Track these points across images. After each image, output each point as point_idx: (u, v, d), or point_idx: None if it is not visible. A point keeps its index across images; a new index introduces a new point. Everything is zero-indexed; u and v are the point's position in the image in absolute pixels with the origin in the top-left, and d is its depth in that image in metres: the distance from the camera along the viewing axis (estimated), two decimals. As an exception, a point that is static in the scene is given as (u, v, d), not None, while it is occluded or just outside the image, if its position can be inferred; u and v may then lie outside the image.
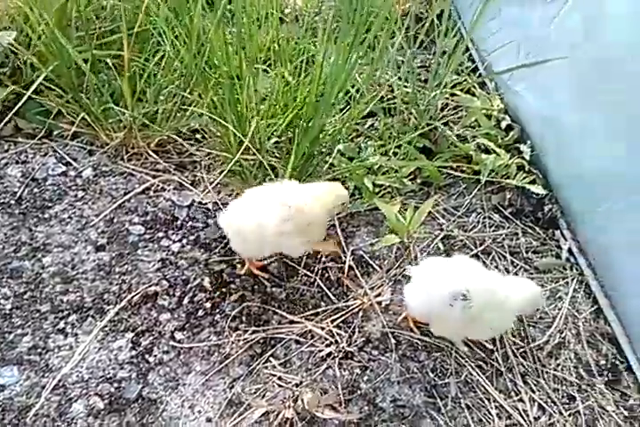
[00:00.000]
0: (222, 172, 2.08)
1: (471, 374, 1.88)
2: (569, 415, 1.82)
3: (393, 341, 1.91)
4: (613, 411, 1.89)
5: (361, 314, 1.95)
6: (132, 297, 1.83)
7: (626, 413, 1.89)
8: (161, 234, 2.02)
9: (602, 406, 1.89)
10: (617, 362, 2.01)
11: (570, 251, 2.26)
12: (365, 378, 1.81)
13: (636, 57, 1.88)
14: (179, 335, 1.79)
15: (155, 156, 2.22)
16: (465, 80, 2.78)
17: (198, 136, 2.35)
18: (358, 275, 2.05)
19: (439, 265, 1.77)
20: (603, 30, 2.04)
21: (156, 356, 1.74)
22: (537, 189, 2.27)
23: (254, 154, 1.98)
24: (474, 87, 2.79)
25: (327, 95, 1.87)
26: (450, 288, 1.63)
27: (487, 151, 2.42)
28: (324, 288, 1.99)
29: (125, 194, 2.08)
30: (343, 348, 1.85)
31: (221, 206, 2.12)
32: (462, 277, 1.67)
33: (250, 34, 2.01)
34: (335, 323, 1.91)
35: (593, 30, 2.09)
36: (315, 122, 1.90)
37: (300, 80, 2.05)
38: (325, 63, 2.01)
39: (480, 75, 2.82)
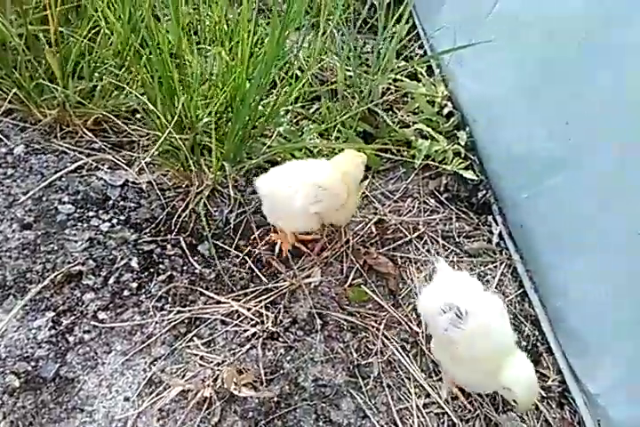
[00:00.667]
0: (157, 151, 2.02)
1: (394, 355, 1.88)
2: (486, 395, 1.83)
3: (319, 321, 1.89)
4: (531, 391, 1.90)
5: (289, 295, 1.93)
6: (56, 276, 1.78)
7: (543, 393, 1.91)
8: (91, 213, 1.96)
9: (520, 386, 1.90)
10: (538, 344, 2.03)
11: (500, 236, 2.27)
12: (289, 358, 1.80)
13: (570, 45, 1.86)
14: (101, 315, 1.75)
15: (90, 134, 2.15)
16: (412, 67, 2.74)
17: (138, 116, 2.27)
18: (289, 257, 2.01)
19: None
20: (541, 18, 2.02)
21: (76, 335, 1.69)
22: (470, 175, 2.27)
23: (184, 132, 1.91)
24: (421, 74, 2.76)
25: (257, 76, 1.82)
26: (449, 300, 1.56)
27: (426, 137, 2.40)
28: (255, 269, 1.96)
29: (56, 172, 2.01)
30: (268, 328, 1.83)
31: (155, 187, 2.06)
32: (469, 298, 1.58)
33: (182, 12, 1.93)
34: (263, 304, 1.88)
35: (531, 18, 2.07)
36: (246, 102, 1.85)
37: (237, 60, 1.98)
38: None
39: (428, 61, 2.78)
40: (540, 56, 2.03)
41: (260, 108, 2.04)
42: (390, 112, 2.54)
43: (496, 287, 2.13)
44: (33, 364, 1.62)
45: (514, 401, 1.58)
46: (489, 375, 1.58)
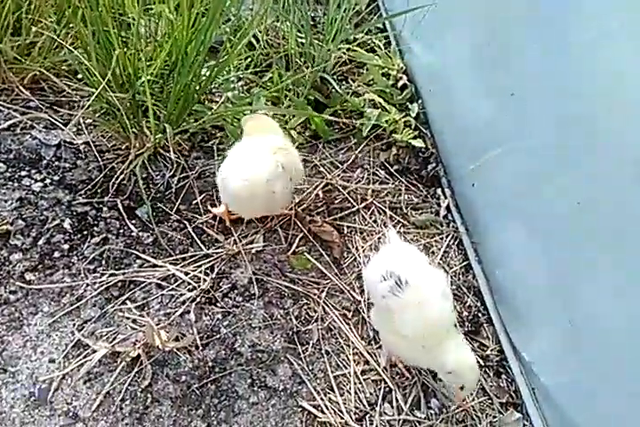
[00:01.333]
0: (95, 111, 1.96)
1: (335, 322, 1.89)
2: (424, 362, 1.85)
3: (259, 288, 1.88)
4: (470, 359, 1.94)
5: (229, 261, 1.91)
6: (-19, 236, 1.71)
7: (481, 361, 1.95)
8: (23, 173, 1.90)
9: (459, 355, 1.93)
10: (479, 314, 2.07)
11: (448, 208, 2.30)
12: (226, 323, 1.79)
13: (527, 18, 1.88)
14: (29, 276, 1.70)
15: (27, 93, 2.07)
16: (370, 39, 2.74)
17: (79, 77, 2.20)
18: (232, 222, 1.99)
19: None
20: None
21: (1, 296, 1.64)
22: (419, 144, 2.28)
23: (126, 92, 1.86)
24: (378, 47, 2.75)
25: (200, 34, 1.78)
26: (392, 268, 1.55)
27: (378, 108, 2.39)
28: (194, 235, 1.94)
29: (-13, 130, 1.93)
30: (206, 293, 1.81)
31: (93, 148, 2.01)
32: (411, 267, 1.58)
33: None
34: (201, 269, 1.86)
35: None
36: (187, 61, 1.81)
37: (180, 19, 1.93)
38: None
39: (386, 34, 2.78)
40: (488, 29, 2.05)
41: (204, 70, 2.00)
42: (344, 82, 2.53)
43: (441, 259, 2.16)
44: (-47, 324, 1.56)
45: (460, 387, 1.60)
46: (423, 352, 1.58)
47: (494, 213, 2.04)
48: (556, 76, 1.76)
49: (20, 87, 2.07)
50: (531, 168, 1.88)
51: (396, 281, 1.55)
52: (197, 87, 2.03)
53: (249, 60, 2.46)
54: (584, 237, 1.60)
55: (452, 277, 2.12)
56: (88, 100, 2.11)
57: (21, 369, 1.55)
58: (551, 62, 1.79)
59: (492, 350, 1.98)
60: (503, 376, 1.94)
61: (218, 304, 1.81)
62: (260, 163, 1.70)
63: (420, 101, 2.45)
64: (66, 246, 1.78)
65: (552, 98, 1.78)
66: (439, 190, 2.35)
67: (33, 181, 1.89)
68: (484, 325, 2.04)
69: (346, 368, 1.80)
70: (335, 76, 2.47)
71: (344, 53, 2.56)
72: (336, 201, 2.20)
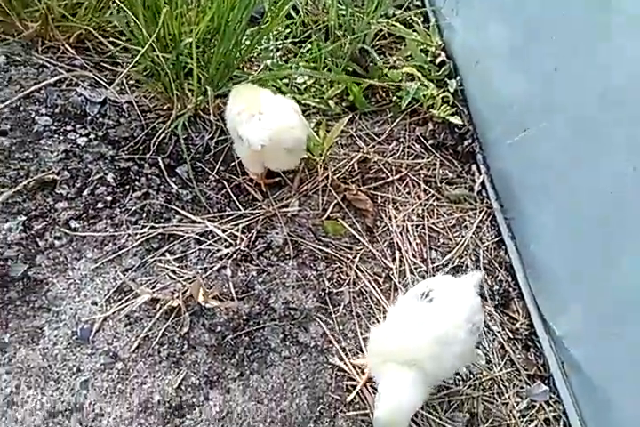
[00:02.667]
0: (139, 72, 2.09)
1: (366, 286, 1.99)
2: (454, 330, 1.94)
3: (294, 249, 1.99)
4: (498, 331, 2.04)
5: (265, 222, 2.02)
6: (29, 183, 1.84)
7: (510, 334, 2.05)
8: (68, 127, 2.03)
9: (488, 326, 2.04)
10: (510, 289, 2.16)
11: (482, 184, 2.39)
12: (260, 280, 1.90)
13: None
14: (74, 224, 1.82)
15: (72, 51, 2.21)
16: (408, 15, 2.84)
17: (124, 39, 2.33)
18: (267, 187, 2.11)
19: None
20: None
21: (46, 240, 1.77)
22: (456, 120, 2.37)
23: (170, 54, 1.99)
24: (416, 23, 2.85)
25: (242, 3, 1.90)
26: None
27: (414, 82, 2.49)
28: (232, 195, 2.05)
29: (35, 84, 2.07)
30: (242, 250, 1.93)
31: (136, 107, 2.13)
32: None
33: None
34: (238, 227, 1.97)
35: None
36: (230, 26, 1.93)
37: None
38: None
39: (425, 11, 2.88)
40: (533, 4, 2.13)
41: (246, 36, 2.12)
42: (382, 56, 2.63)
43: (474, 234, 2.25)
44: (1, 263, 1.70)
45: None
46: None
47: (531, 189, 2.13)
48: (602, 51, 1.84)
49: (66, 45, 2.21)
50: (570, 145, 1.95)
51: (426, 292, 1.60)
52: (238, 54, 2.14)
53: (288, 30, 2.57)
54: (620, 214, 1.68)
55: (483, 251, 2.22)
56: (131, 62, 2.25)
57: (65, 309, 1.67)
58: (597, 36, 1.87)
59: (521, 324, 2.07)
60: (532, 350, 2.03)
61: (253, 262, 1.93)
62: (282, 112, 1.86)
63: (458, 78, 2.55)
64: (109, 198, 1.91)
65: (597, 72, 1.86)
66: (474, 167, 2.44)
67: (78, 136, 2.02)
68: (515, 299, 2.13)
69: (376, 331, 1.89)
70: (373, 50, 2.56)
71: (384, 27, 2.66)
72: (371, 171, 2.30)
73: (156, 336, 1.69)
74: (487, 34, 2.41)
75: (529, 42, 2.15)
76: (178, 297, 1.74)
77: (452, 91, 2.47)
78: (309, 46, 2.56)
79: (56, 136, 1.99)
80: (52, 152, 1.94)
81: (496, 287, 2.15)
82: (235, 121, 1.88)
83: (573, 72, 1.95)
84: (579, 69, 1.93)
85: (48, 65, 2.15)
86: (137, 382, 1.60)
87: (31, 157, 1.91)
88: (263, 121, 1.80)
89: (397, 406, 1.45)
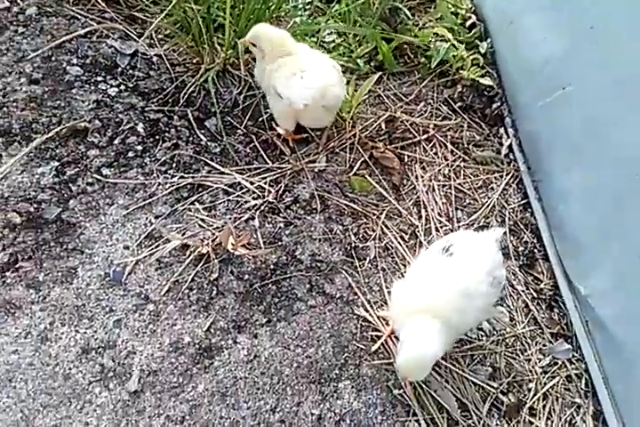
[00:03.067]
0: (170, 25, 2.11)
1: (392, 242, 2.02)
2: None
3: (320, 203, 2.01)
4: (522, 291, 2.06)
5: (293, 176, 2.05)
6: (62, 130, 1.88)
7: (534, 294, 2.07)
8: (99, 78, 2.06)
9: (512, 285, 2.06)
10: (535, 250, 2.17)
11: (510, 148, 2.39)
12: (287, 232, 1.93)
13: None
14: (105, 171, 1.86)
15: (103, 4, 2.23)
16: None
17: (152, -6, 2.34)
18: (295, 142, 2.13)
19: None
20: None
21: (79, 186, 1.81)
22: (487, 82, 2.37)
23: (201, 4, 2.00)
24: (446, -13, 2.82)
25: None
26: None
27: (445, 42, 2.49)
28: (260, 149, 2.08)
29: (67, 35, 2.10)
30: (270, 203, 1.96)
31: (165, 60, 2.16)
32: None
33: None
34: (266, 180, 2.00)
35: None
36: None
37: None
38: None
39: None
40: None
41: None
42: (411, 17, 2.62)
43: (500, 196, 2.26)
44: (35, 206, 1.74)
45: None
46: None
47: (560, 151, 2.13)
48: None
49: (97, -2, 2.23)
50: (606, 105, 1.95)
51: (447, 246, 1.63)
52: (267, 10, 2.15)
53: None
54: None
55: (509, 213, 2.23)
56: (160, 16, 2.27)
57: (97, 252, 1.72)
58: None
59: (545, 285, 2.09)
60: (555, 310, 2.05)
61: (280, 214, 1.96)
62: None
63: (489, 40, 2.54)
64: (139, 148, 1.94)
65: (636, 32, 1.85)
66: (502, 129, 2.44)
67: (109, 86, 2.05)
68: (540, 260, 2.15)
69: (401, 285, 1.92)
70: (403, 9, 2.56)
71: (414, -11, 2.64)
72: (398, 131, 2.32)
73: (186, 281, 1.73)
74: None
75: (563, 1, 2.13)
76: (207, 244, 1.77)
77: (483, 52, 2.45)
78: (337, 6, 2.56)
79: (87, 86, 2.02)
80: (83, 101, 1.97)
81: (521, 248, 2.17)
82: (273, 77, 1.89)
83: (611, 30, 1.94)
84: (617, 27, 1.92)
85: (79, 17, 2.18)
86: (168, 324, 1.65)
87: (63, 105, 1.95)
88: (306, 80, 1.82)
89: (419, 353, 1.48)
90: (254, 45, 1.90)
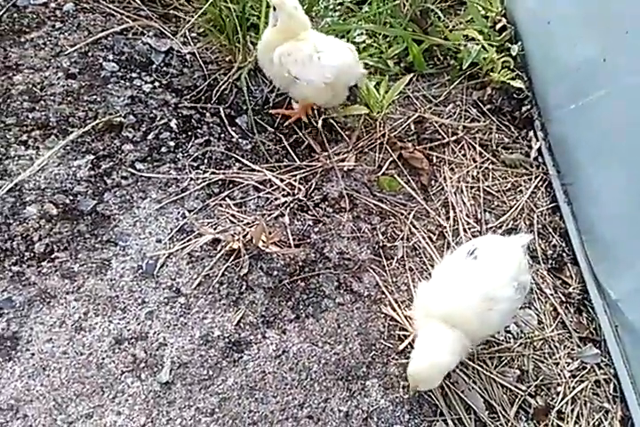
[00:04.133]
0: (203, 21, 2.15)
1: (420, 242, 2.03)
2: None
3: (349, 202, 2.04)
4: (551, 294, 2.07)
5: (322, 175, 2.07)
6: (97, 124, 1.93)
7: (563, 298, 2.07)
8: (134, 74, 2.11)
9: (540, 289, 2.07)
10: (564, 254, 2.18)
11: (539, 151, 2.40)
12: (316, 230, 1.96)
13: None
14: (139, 165, 1.91)
15: (139, 1, 2.28)
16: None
17: (185, -7, 2.39)
18: (325, 141, 2.16)
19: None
20: None
21: (114, 179, 1.85)
22: (518, 84, 2.38)
23: (237, 3, 2.04)
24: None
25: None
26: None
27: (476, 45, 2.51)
28: (289, 147, 2.11)
29: (103, 31, 2.15)
30: (300, 200, 1.98)
31: (198, 58, 2.20)
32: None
33: None
34: (296, 178, 2.03)
35: None
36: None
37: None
38: None
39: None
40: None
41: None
42: (441, 19, 2.64)
43: (528, 199, 2.27)
44: (71, 198, 1.78)
45: None
46: None
47: (592, 155, 2.14)
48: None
49: (133, -4, 2.28)
50: (635, 111, 1.95)
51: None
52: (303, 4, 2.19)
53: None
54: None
55: (537, 216, 2.24)
56: (194, 15, 2.32)
57: (131, 245, 1.75)
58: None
59: (573, 289, 2.10)
60: (584, 314, 2.05)
61: (309, 212, 1.98)
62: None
63: (519, 43, 2.55)
64: (172, 143, 1.98)
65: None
66: (531, 133, 2.45)
67: (143, 83, 2.09)
68: (568, 264, 2.15)
69: (428, 285, 1.94)
70: (433, 11, 2.58)
71: (444, -8, 2.67)
72: (427, 132, 2.34)
73: (217, 275, 1.76)
74: (554, 4, 2.40)
75: (599, 5, 2.14)
76: (238, 240, 1.80)
77: (514, 54, 2.47)
78: (368, 8, 2.59)
79: (122, 82, 2.07)
80: (118, 97, 2.02)
81: (549, 252, 2.17)
82: (286, 62, 1.89)
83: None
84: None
85: (115, 13, 2.23)
86: (198, 317, 1.68)
87: (99, 100, 1.99)
88: (323, 59, 1.87)
89: (431, 363, 1.50)
90: (274, 9, 1.86)
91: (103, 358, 1.57)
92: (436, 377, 1.54)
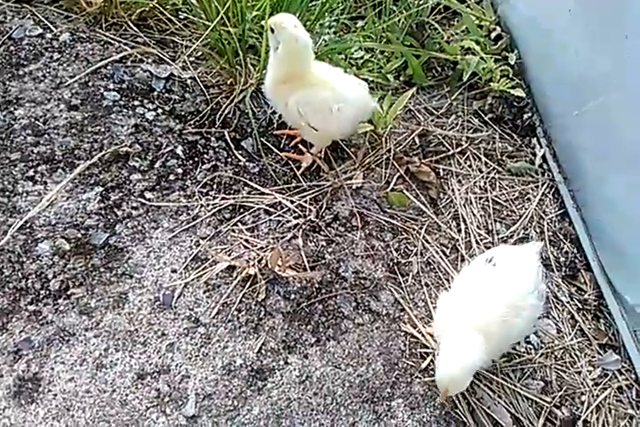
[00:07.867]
0: (203, 47, 2.14)
1: (434, 257, 2.02)
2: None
3: (360, 220, 2.02)
4: (567, 302, 2.06)
5: (331, 194, 2.06)
6: (104, 155, 1.91)
7: (579, 305, 2.06)
8: (136, 102, 2.09)
9: (556, 297, 2.06)
10: (576, 260, 2.17)
11: (544, 158, 2.40)
12: (330, 250, 1.94)
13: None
14: (148, 195, 1.88)
15: (135, 28, 2.26)
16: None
17: (182, 16, 2.38)
18: (332, 159, 2.14)
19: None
20: None
21: (124, 210, 1.83)
22: (518, 93, 2.38)
23: (235, 26, 2.03)
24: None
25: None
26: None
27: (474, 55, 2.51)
28: (296, 169, 2.09)
29: (102, 60, 2.13)
30: (311, 221, 1.97)
31: (199, 83, 2.19)
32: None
33: None
34: (306, 199, 2.02)
35: None
36: (294, 3, 1.97)
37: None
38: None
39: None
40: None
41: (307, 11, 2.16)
42: (437, 31, 2.64)
43: (537, 206, 2.26)
44: (83, 232, 1.76)
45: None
46: None
47: (599, 159, 2.14)
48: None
49: (129, 22, 2.26)
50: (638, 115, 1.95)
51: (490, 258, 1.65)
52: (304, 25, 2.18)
53: (341, 6, 2.59)
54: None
55: (547, 223, 2.23)
56: (192, 39, 2.31)
57: (146, 276, 1.73)
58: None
59: (589, 295, 2.09)
60: (601, 320, 2.04)
61: (322, 233, 1.97)
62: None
63: (516, 51, 2.55)
64: (180, 170, 1.96)
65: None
66: (534, 140, 2.45)
67: (146, 110, 2.08)
68: (582, 270, 2.15)
69: (446, 300, 1.92)
70: (428, 24, 2.58)
71: (438, 3, 2.66)
72: (431, 145, 2.33)
73: (235, 302, 1.74)
74: (550, 2, 2.40)
75: (596, 9, 2.15)
76: (254, 265, 1.78)
77: (512, 63, 2.47)
78: (363, 23, 2.58)
79: (125, 111, 2.05)
80: (122, 126, 2.00)
81: (562, 259, 2.17)
82: (302, 111, 1.87)
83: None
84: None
85: (112, 42, 2.21)
86: (219, 346, 1.66)
87: (103, 130, 1.97)
88: (343, 111, 1.89)
89: (458, 362, 1.48)
90: (272, 31, 1.75)
91: (127, 395, 1.54)
92: (465, 377, 1.52)
